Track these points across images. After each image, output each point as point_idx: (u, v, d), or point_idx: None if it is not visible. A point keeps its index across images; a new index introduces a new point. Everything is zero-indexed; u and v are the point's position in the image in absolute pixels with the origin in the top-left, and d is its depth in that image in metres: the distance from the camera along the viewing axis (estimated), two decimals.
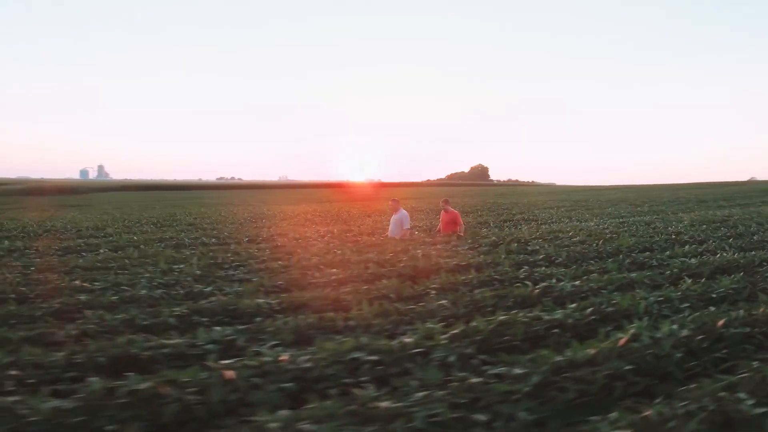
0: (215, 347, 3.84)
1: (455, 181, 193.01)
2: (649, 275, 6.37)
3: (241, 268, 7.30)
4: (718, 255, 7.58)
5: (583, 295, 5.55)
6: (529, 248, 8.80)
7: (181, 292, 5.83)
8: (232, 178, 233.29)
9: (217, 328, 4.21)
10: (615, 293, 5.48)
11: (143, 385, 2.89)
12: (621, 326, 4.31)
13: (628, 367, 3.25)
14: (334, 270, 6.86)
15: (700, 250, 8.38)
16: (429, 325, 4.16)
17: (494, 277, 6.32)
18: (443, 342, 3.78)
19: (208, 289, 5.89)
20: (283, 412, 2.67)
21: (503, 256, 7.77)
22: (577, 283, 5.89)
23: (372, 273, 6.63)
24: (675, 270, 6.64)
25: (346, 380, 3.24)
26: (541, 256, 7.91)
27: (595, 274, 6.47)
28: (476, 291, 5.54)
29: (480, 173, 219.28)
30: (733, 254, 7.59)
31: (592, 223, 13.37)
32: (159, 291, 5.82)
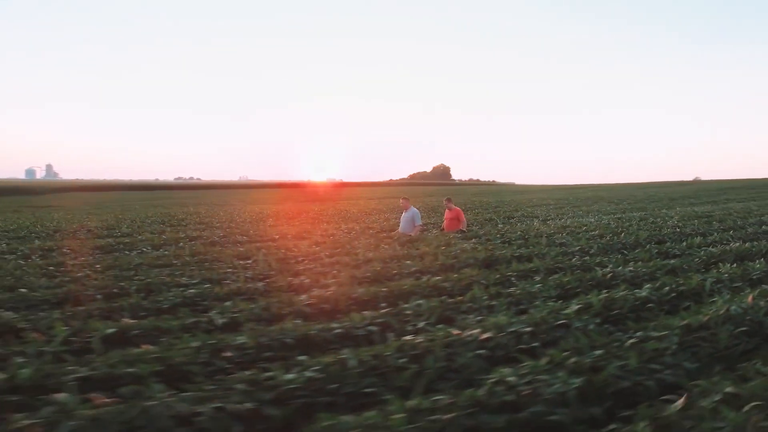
0: (374, 329, 4.38)
1: (418, 180, 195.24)
2: (685, 262, 7.30)
3: (312, 262, 7.74)
4: (731, 244, 8.66)
5: (644, 278, 6.38)
6: (557, 241, 9.68)
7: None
8: (191, 178, 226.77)
9: (366, 312, 4.74)
10: (666, 276, 6.34)
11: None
12: (699, 301, 5.16)
13: (741, 329, 4.04)
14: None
15: (708, 240, 9.49)
16: (550, 302, 4.85)
17: (557, 265, 7.07)
18: (573, 315, 4.47)
19: (307, 280, 6.36)
20: (510, 369, 3.27)
21: (545, 249, 8.56)
22: (631, 269, 6.73)
23: (455, 263, 7.24)
24: (703, 257, 7.61)
25: (520, 347, 3.87)
26: (577, 248, 8.77)
27: (639, 262, 7.35)
28: (554, 276, 6.28)
29: (442, 173, 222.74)
30: (743, 243, 8.69)
31: (592, 220, 14.47)
32: (261, 283, 6.25)
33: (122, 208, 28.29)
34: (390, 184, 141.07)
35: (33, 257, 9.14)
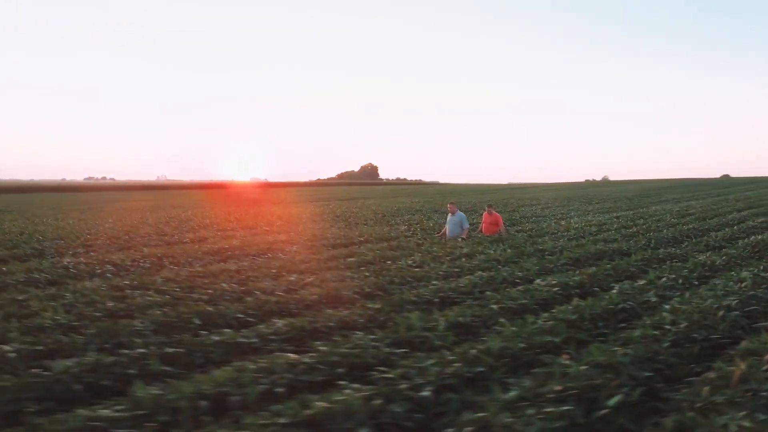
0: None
1: (346, 180, 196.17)
2: (739, 252, 9.19)
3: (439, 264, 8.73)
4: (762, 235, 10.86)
5: (738, 264, 8.16)
6: (608, 238, 11.51)
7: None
8: (104, 178, 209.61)
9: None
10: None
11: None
12: None
13: None
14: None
15: (730, 233, 11.79)
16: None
17: (653, 257, 8.70)
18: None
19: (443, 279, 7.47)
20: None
21: (625, 245, 10.22)
22: (717, 259, 8.50)
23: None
24: (753, 246, 9.61)
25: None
26: (643, 242, 10.59)
27: (709, 252, 9.19)
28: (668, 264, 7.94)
29: (370, 172, 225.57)
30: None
31: (601, 218, 16.64)
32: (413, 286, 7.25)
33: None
34: (318, 183, 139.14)
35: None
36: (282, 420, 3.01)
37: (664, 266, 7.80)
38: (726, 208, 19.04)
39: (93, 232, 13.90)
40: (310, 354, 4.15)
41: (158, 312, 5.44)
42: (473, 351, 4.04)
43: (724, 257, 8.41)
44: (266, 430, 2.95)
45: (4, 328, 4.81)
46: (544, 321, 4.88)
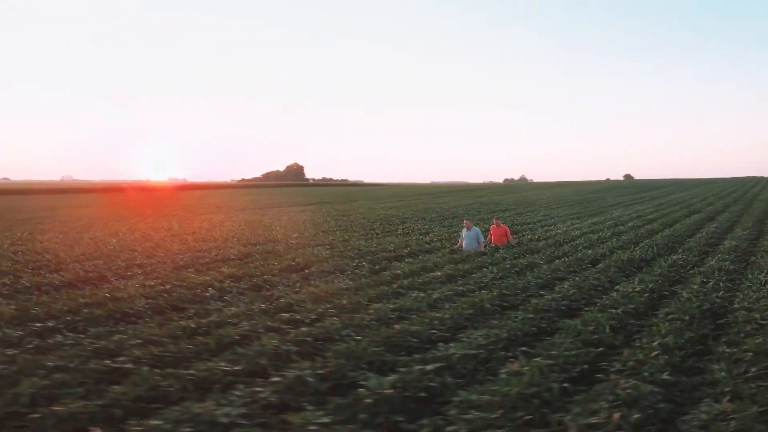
0: None
1: (271, 180, 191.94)
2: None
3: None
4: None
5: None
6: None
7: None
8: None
9: None
10: None
11: None
12: None
13: None
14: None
15: (720, 231, 14.12)
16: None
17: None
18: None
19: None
20: None
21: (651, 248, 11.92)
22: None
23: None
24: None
25: None
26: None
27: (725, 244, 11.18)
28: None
29: (296, 172, 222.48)
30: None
31: (590, 221, 18.73)
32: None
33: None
34: (243, 184, 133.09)
35: None
36: None
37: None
38: (678, 212, 22.06)
39: None
40: None
41: None
42: None
43: None
44: None
45: None
46: None
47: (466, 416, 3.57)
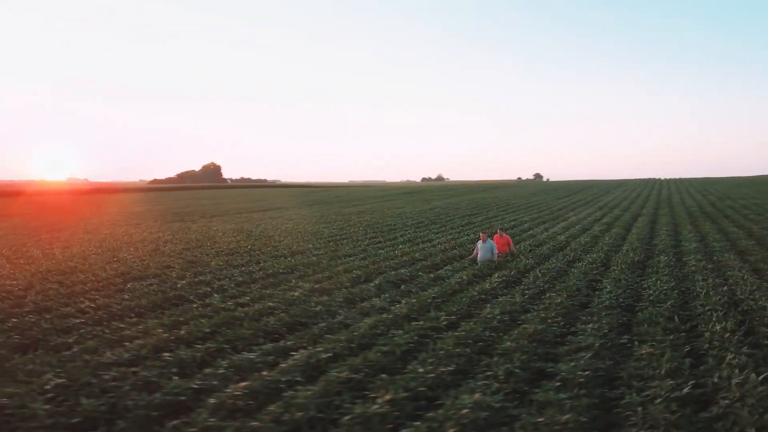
0: None
1: (186, 181, 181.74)
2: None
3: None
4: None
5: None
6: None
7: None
8: None
9: None
10: None
11: None
12: None
13: None
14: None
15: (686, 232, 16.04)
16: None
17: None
18: None
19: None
20: None
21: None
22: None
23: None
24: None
25: None
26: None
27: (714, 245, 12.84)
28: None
29: (213, 172, 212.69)
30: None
31: (560, 226, 20.16)
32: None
33: None
34: (156, 187, 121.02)
35: None
36: None
37: None
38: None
39: None
40: None
41: None
42: None
43: None
44: None
45: None
46: None
47: None
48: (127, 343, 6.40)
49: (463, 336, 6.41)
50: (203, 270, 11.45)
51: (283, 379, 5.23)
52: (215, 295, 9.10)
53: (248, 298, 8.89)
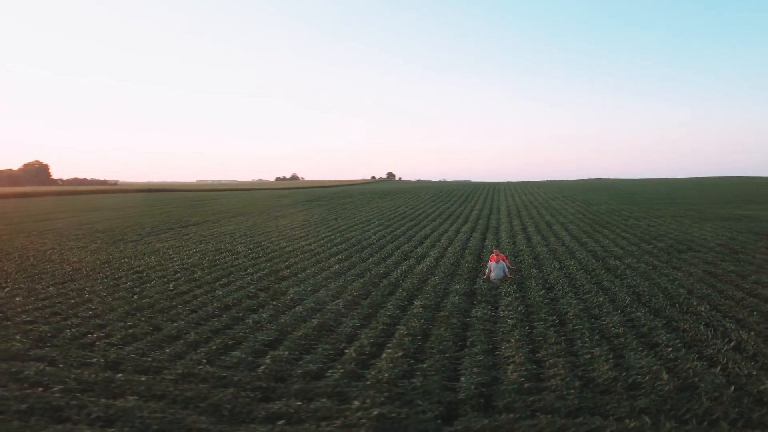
0: None
1: (5, 183, 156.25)
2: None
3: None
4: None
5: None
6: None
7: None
8: None
9: None
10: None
11: None
12: None
13: None
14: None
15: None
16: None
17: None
18: None
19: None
20: None
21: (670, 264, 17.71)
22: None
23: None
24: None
25: None
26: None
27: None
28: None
29: (38, 172, 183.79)
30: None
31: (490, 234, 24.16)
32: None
33: None
34: None
35: None
36: None
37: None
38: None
39: None
40: None
41: None
42: None
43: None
44: None
45: None
46: None
47: None
48: None
49: None
50: None
51: None
52: None
53: None
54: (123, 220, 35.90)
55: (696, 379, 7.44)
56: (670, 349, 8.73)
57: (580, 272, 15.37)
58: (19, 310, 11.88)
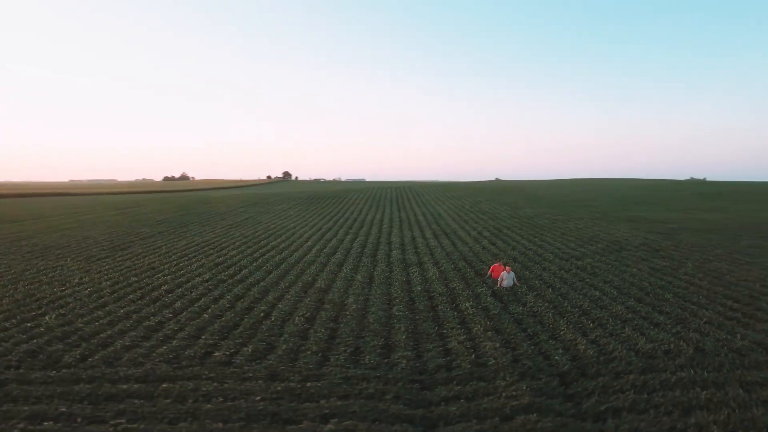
0: None
1: None
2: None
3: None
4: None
5: None
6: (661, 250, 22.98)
7: None
8: None
9: None
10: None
11: None
12: None
13: None
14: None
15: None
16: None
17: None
18: None
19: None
20: None
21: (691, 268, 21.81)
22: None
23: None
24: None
25: None
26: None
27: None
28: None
29: None
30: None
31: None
32: None
33: None
34: None
35: None
36: None
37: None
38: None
39: None
40: None
41: None
42: None
43: None
44: None
45: None
46: None
47: None
48: None
49: None
50: None
51: None
52: None
53: None
54: None
55: (701, 343, 11.19)
56: (670, 326, 12.54)
57: (561, 272, 19.21)
58: None
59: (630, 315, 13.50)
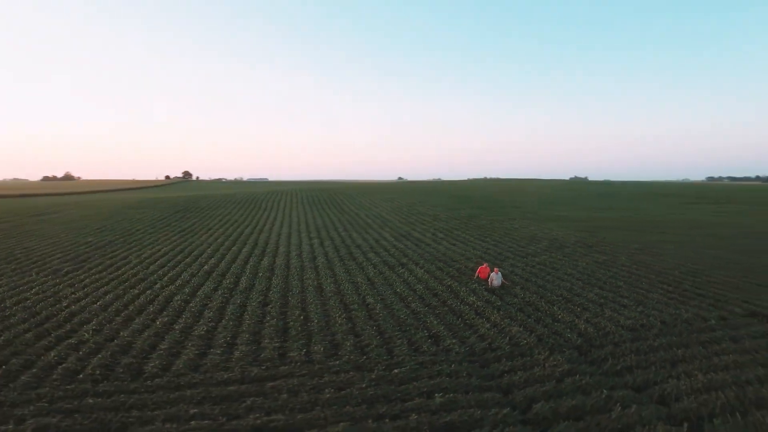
0: None
1: None
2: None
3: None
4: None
5: None
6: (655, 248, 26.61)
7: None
8: None
9: None
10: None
11: None
12: None
13: None
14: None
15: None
16: None
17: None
18: None
19: None
20: None
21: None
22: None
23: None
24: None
25: None
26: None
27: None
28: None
29: None
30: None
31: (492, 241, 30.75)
32: None
33: None
34: None
35: None
36: None
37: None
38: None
39: None
40: None
41: None
42: None
43: None
44: None
45: None
46: None
47: None
48: None
49: None
50: None
51: None
52: None
53: None
54: None
55: (662, 317, 15.01)
56: (633, 306, 16.37)
57: (528, 268, 22.82)
58: None
59: (602, 300, 17.20)
